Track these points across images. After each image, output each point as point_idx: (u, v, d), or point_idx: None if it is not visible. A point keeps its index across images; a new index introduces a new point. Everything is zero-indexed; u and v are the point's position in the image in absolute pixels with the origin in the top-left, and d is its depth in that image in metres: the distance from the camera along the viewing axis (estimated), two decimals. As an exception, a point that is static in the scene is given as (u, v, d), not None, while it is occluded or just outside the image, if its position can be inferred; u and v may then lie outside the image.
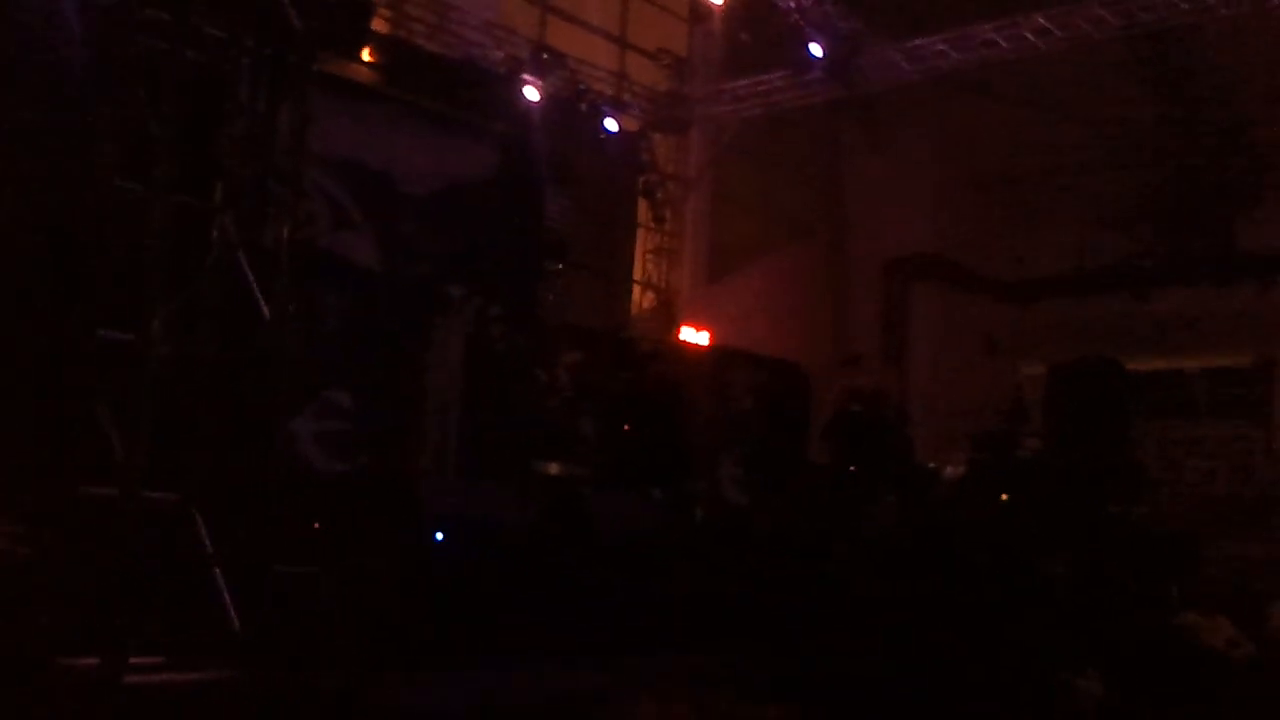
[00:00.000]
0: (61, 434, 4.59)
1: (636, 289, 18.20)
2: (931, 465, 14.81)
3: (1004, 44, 15.70)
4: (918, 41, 16.30)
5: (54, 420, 4.59)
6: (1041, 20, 15.36)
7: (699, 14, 16.01)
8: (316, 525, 9.60)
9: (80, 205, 5.02)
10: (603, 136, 17.05)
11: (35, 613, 4.38)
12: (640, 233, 18.26)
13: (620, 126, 17.32)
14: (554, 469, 11.22)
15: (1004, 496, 13.57)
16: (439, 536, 8.62)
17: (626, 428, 12.00)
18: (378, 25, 14.84)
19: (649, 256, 18.35)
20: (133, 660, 4.58)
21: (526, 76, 15.79)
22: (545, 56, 16.04)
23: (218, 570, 4.98)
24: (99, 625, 4.54)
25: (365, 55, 14.74)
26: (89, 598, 4.66)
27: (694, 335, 16.73)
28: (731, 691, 7.71)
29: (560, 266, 15.43)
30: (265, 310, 5.24)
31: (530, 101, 15.81)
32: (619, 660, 7.89)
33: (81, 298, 4.73)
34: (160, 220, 4.90)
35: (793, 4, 15.78)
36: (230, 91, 5.60)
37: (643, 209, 18.20)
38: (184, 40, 5.30)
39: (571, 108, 16.50)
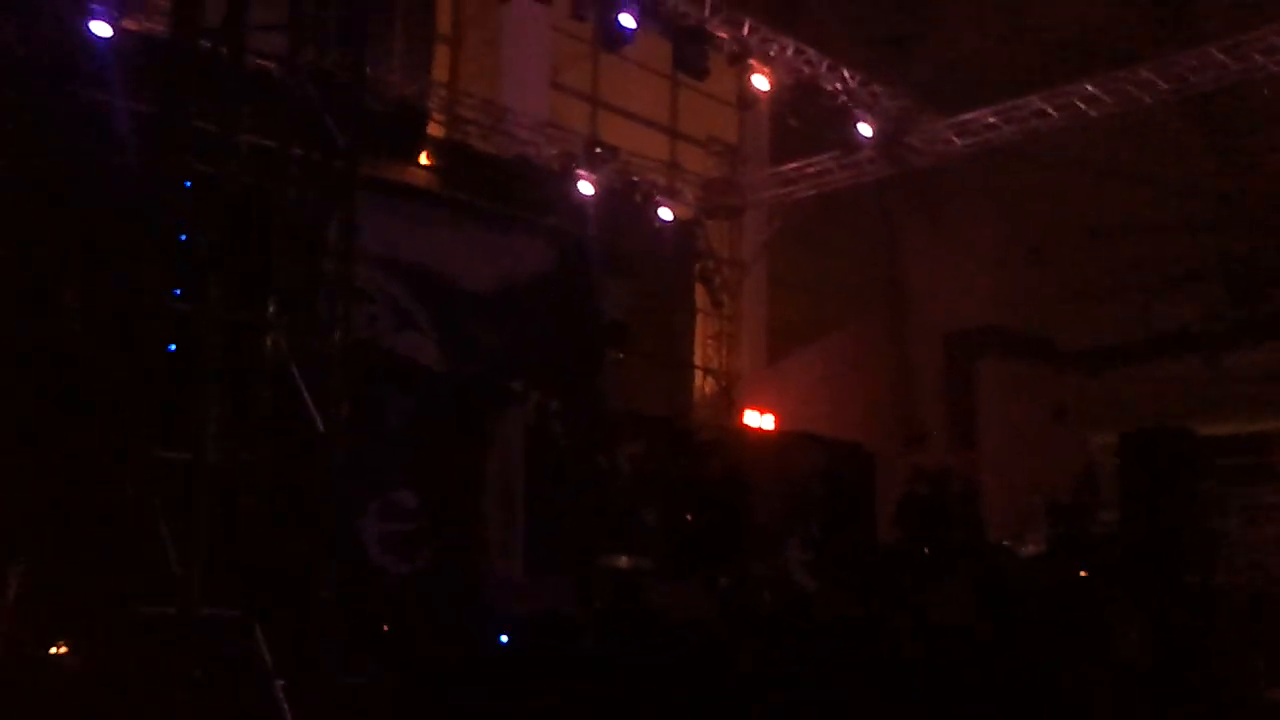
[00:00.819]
0: (122, 553, 4.65)
1: (698, 374, 18.22)
2: (1006, 543, 14.56)
3: (1054, 113, 15.67)
4: (967, 116, 16.33)
5: (114, 539, 4.66)
6: (1090, 88, 15.32)
7: (747, 100, 16.16)
8: (385, 628, 9.65)
9: (134, 325, 5.14)
10: (658, 225, 17.22)
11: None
12: (699, 318, 18.34)
13: (674, 215, 17.49)
14: (617, 561, 11.17)
15: (1082, 573, 13.29)
16: (504, 638, 8.59)
17: (690, 516, 11.93)
18: (433, 130, 15.17)
19: (709, 342, 18.40)
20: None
21: (580, 171, 16.04)
22: (598, 150, 16.30)
23: (280, 684, 4.98)
24: None
25: (423, 159, 15.07)
26: (153, 716, 4.68)
27: (756, 418, 16.69)
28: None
29: (621, 355, 15.52)
30: (319, 419, 5.30)
31: (585, 195, 16.04)
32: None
33: (138, 416, 4.82)
34: (212, 336, 4.99)
35: (839, 86, 15.90)
36: (278, 203, 5.73)
37: (700, 295, 18.29)
38: (230, 153, 5.45)
39: (626, 199, 16.71)
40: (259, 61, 6.90)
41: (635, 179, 16.83)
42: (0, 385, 7.82)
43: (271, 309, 5.67)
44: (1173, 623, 11.37)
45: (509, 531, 10.97)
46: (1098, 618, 11.54)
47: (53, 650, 7.53)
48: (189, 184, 6.19)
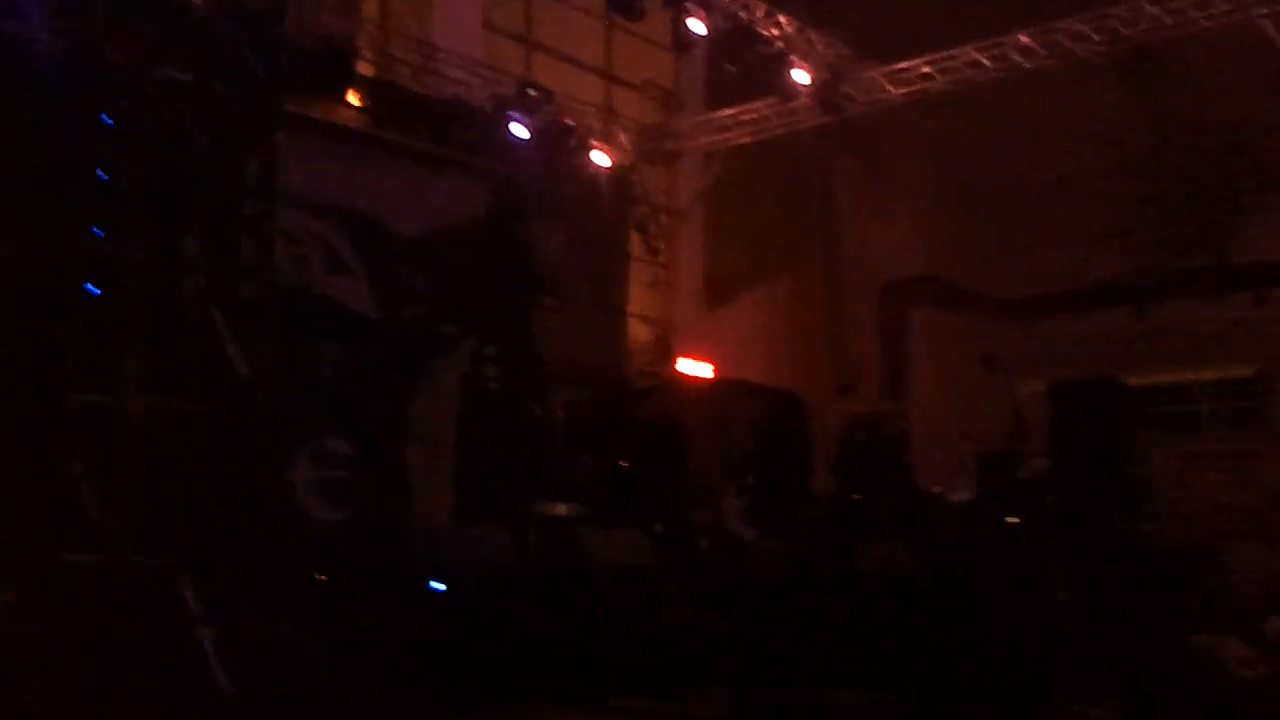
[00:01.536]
0: (43, 501, 4.48)
1: (633, 322, 18.10)
2: (937, 490, 14.69)
3: (988, 64, 15.65)
4: (902, 65, 16.27)
5: (34, 487, 4.48)
6: (1024, 39, 15.31)
7: (683, 45, 15.96)
8: (319, 576, 9.51)
9: (52, 263, 4.93)
10: (592, 171, 17.01)
11: (24, 683, 4.26)
12: (634, 266, 18.19)
13: (610, 160, 17.28)
14: (553, 509, 11.10)
15: (1012, 519, 13.45)
16: (438, 585, 8.50)
17: (625, 463, 11.88)
18: (363, 69, 14.80)
19: (644, 289, 18.26)
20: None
21: (514, 113, 15.74)
22: (532, 93, 15.98)
23: (207, 632, 4.85)
24: (89, 693, 4.41)
25: (351, 99, 14.71)
26: (78, 666, 4.54)
27: (692, 366, 16.64)
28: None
29: (555, 302, 15.36)
30: (241, 364, 5.13)
31: (518, 138, 15.77)
32: (617, 701, 7.78)
33: (55, 360, 4.63)
34: (132, 278, 4.80)
35: (776, 31, 15.75)
36: (197, 141, 5.52)
37: (636, 242, 18.14)
38: (149, 89, 5.23)
39: (560, 143, 16.45)
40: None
41: (570, 123, 16.55)
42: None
43: (192, 250, 5.48)
44: (1101, 568, 11.54)
45: (436, 479, 10.85)
46: (1027, 564, 11.69)
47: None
48: (108, 120, 5.96)
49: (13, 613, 4.77)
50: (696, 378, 16.17)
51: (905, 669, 8.96)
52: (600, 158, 17.08)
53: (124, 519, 4.54)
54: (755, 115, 17.51)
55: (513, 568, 9.33)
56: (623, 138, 17.89)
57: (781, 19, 15.73)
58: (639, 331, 18.07)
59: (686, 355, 16.98)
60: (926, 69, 16.13)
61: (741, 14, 15.39)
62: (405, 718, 6.45)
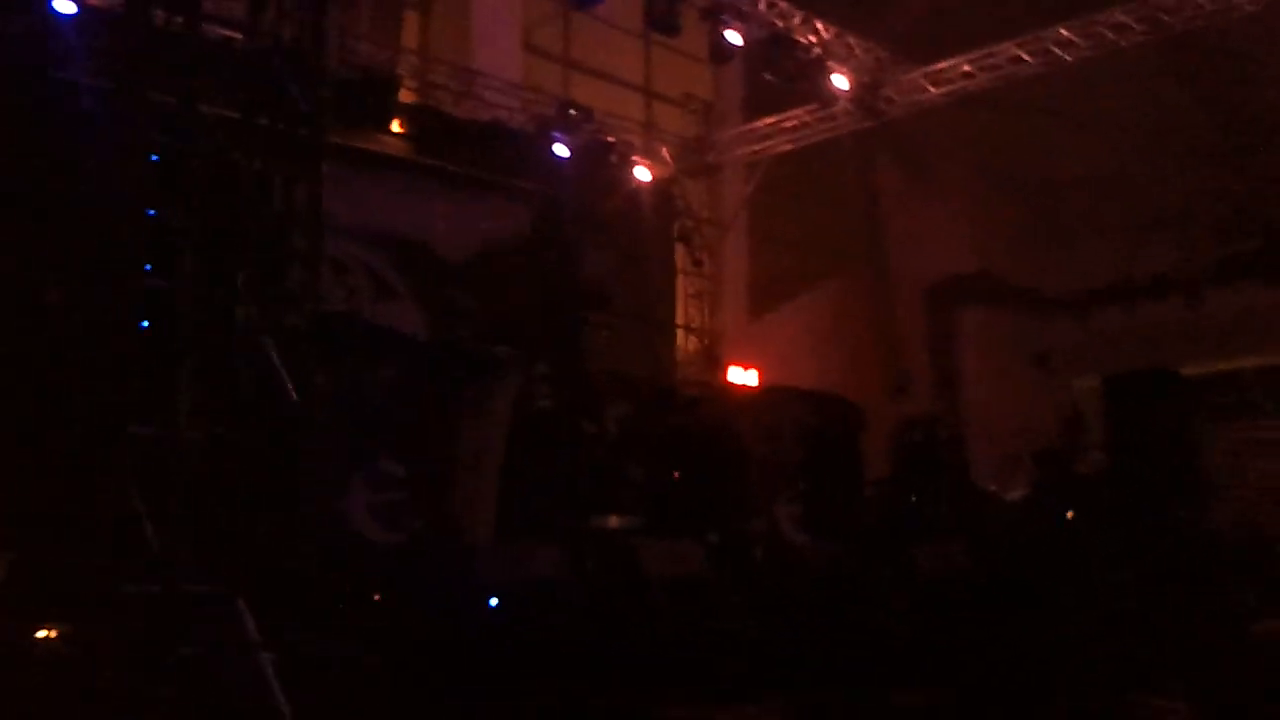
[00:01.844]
0: (102, 533, 4.62)
1: (680, 333, 18.20)
2: (993, 488, 14.62)
3: (1029, 59, 15.59)
4: (941, 65, 16.24)
5: (93, 518, 4.63)
6: (1064, 32, 15.24)
7: (721, 57, 16.03)
8: (376, 597, 9.64)
9: (106, 302, 5.09)
10: (635, 186, 17.14)
11: (83, 712, 4.40)
12: (680, 278, 18.29)
13: (652, 175, 17.40)
14: (607, 521, 11.18)
15: (1069, 514, 13.35)
16: (493, 602, 8.59)
17: (677, 474, 11.94)
18: (404, 97, 15.04)
19: (690, 300, 18.36)
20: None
21: (555, 133, 15.91)
22: (572, 112, 16.16)
23: (266, 658, 4.96)
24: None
25: (395, 127, 14.95)
26: (137, 694, 4.67)
27: (741, 375, 16.69)
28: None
29: (603, 318, 15.48)
30: (292, 391, 5.26)
31: (560, 158, 15.93)
32: (674, 712, 7.82)
33: (110, 394, 4.78)
34: (185, 311, 4.94)
35: (813, 38, 15.79)
36: (244, 175, 5.66)
37: (680, 254, 18.23)
38: (194, 126, 5.37)
39: (602, 160, 16.60)
40: (220, 31, 6.81)
41: (611, 140, 16.70)
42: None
43: (241, 282, 5.62)
44: (1161, 560, 11.42)
45: (477, 500, 10.93)
46: (1087, 559, 11.60)
47: (40, 634, 7.53)
48: (155, 158, 6.12)
49: (70, 643, 4.92)
50: (745, 386, 16.21)
51: (965, 669, 8.93)
52: (642, 173, 17.21)
53: (182, 548, 4.66)
54: (795, 123, 17.55)
55: (569, 582, 9.41)
56: (664, 152, 18.01)
57: (818, 25, 15.77)
58: (687, 342, 18.16)
59: (734, 364, 17.03)
60: (967, 68, 16.10)
61: (778, 22, 15.45)
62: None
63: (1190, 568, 11.29)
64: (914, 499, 13.73)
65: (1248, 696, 8.22)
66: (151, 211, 5.88)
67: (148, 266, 5.81)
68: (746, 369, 16.63)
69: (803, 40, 15.76)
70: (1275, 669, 8.96)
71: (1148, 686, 8.37)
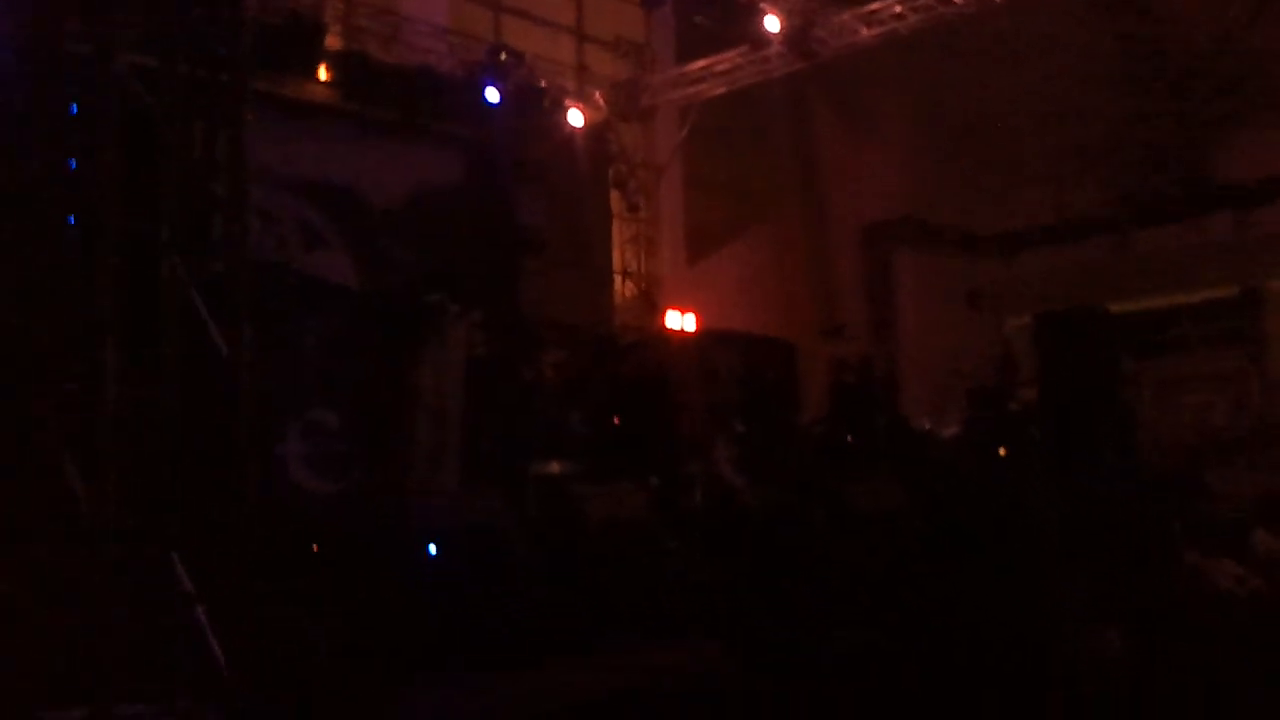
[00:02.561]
0: (28, 489, 4.55)
1: (618, 279, 18.16)
2: (927, 427, 14.80)
3: (959, 1, 15.62)
4: (873, 6, 16.22)
5: (19, 476, 4.55)
6: (993, -28, 15.28)
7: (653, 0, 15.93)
8: (315, 547, 9.59)
9: (23, 257, 4.98)
10: (568, 131, 17.00)
11: (14, 668, 4.35)
12: (616, 223, 18.22)
13: (585, 119, 17.27)
14: (547, 468, 11.19)
15: (1001, 450, 13.56)
16: (432, 549, 8.59)
17: (616, 420, 11.96)
18: (330, 42, 14.76)
19: (626, 246, 18.31)
20: (119, 708, 4.55)
21: (486, 78, 15.71)
22: (503, 56, 15.95)
23: (200, 610, 4.93)
24: (83, 676, 4.50)
25: (321, 74, 14.69)
26: (70, 649, 4.62)
27: (678, 319, 16.70)
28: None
29: (538, 264, 15.40)
30: (222, 344, 5.19)
31: (492, 103, 15.75)
32: (616, 655, 7.89)
33: (33, 351, 4.68)
34: (108, 264, 4.85)
35: (744, -20, 15.72)
36: (164, 125, 5.53)
37: (616, 199, 18.15)
38: (112, 76, 5.24)
39: (534, 105, 16.44)
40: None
41: (543, 84, 16.54)
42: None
43: (166, 234, 5.51)
44: (1091, 494, 11.63)
45: (443, 448, 10.91)
46: (1018, 494, 11.78)
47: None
48: (74, 110, 5.98)
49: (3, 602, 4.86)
50: (683, 330, 16.24)
51: (902, 607, 9.06)
52: (575, 117, 17.07)
53: (113, 506, 4.60)
54: (728, 65, 17.48)
55: (508, 528, 9.42)
56: (597, 96, 17.87)
57: (748, -33, 15.69)
58: (624, 288, 18.14)
59: (672, 308, 17.04)
60: (898, 9, 16.08)
61: (709, -36, 15.35)
62: (402, 684, 6.55)
63: (1119, 502, 11.51)
64: (849, 438, 13.86)
65: (1179, 625, 8.44)
66: (71, 163, 5.75)
67: (70, 219, 5.67)
68: (684, 313, 16.63)
69: (734, -18, 15.68)
70: (1204, 598, 9.20)
71: (1082, 619, 8.55)
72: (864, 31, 16.42)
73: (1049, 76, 17.77)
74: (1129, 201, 17.73)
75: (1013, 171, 18.66)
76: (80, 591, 4.63)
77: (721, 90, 17.75)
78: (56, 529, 4.66)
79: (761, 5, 15.91)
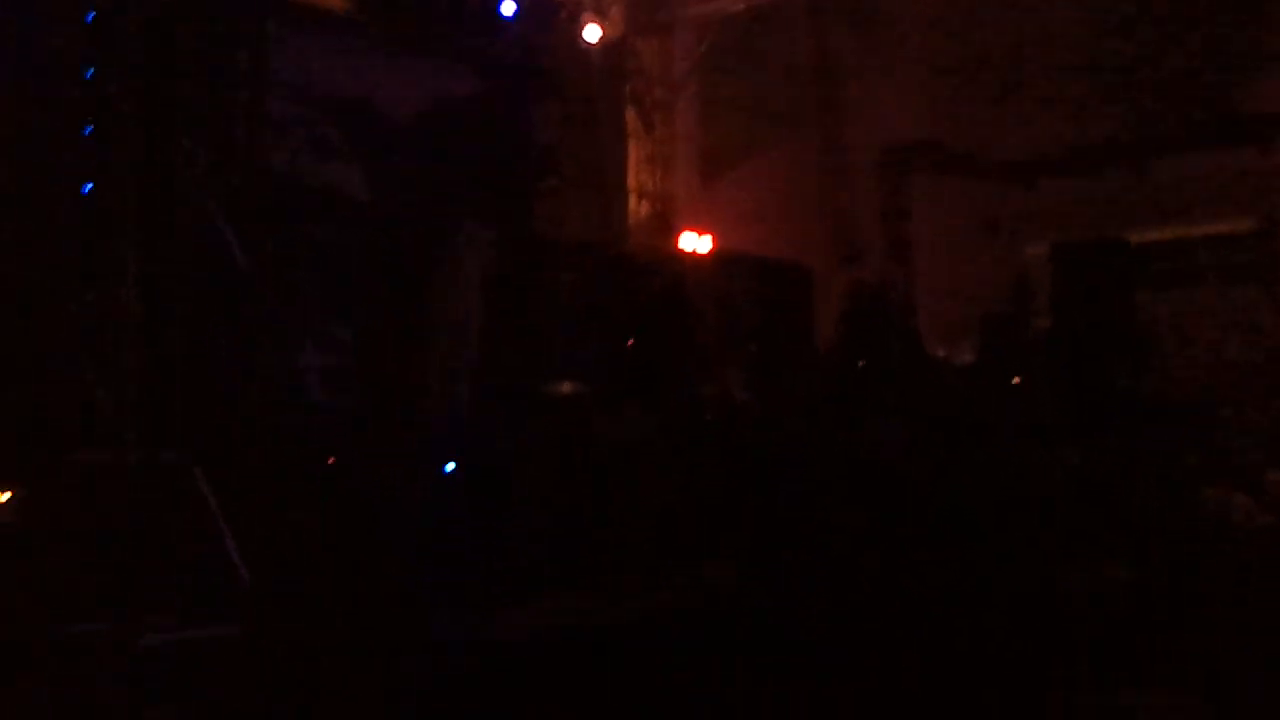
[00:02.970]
0: (50, 400, 4.53)
1: (632, 198, 18.01)
2: (942, 354, 14.73)
3: (987, -82, 15.30)
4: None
5: (41, 387, 4.53)
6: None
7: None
8: (330, 460, 9.62)
9: (43, 164, 4.91)
10: (585, 46, 16.76)
11: (39, 581, 4.36)
12: (631, 141, 18.02)
13: (602, 33, 17.01)
14: (559, 388, 11.17)
15: (1015, 380, 13.50)
16: (448, 467, 8.61)
17: (629, 341, 11.91)
18: (345, -49, 14.50)
19: (642, 165, 18.13)
20: (146, 622, 4.56)
21: (501, -10, 15.47)
22: (519, -31, 15.68)
23: (223, 524, 4.94)
24: (108, 589, 4.52)
25: (336, -15, 14.45)
26: (94, 562, 4.63)
27: (693, 240, 16.58)
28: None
29: (553, 182, 15.27)
30: (240, 254, 5.14)
31: (507, 16, 15.51)
32: (628, 578, 7.92)
33: (55, 260, 4.63)
34: (126, 175, 4.78)
35: (768, -107, 15.38)
36: (184, 36, 5.43)
37: (631, 117, 17.94)
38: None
39: (549, 19, 16.20)
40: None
41: (559, -3, 16.30)
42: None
43: (185, 144, 5.43)
44: (1105, 426, 11.61)
45: (461, 364, 10.91)
46: (1031, 423, 11.76)
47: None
48: (90, 17, 5.87)
49: (21, 508, 4.87)
50: (697, 252, 16.13)
51: (915, 531, 9.08)
52: (592, 32, 16.81)
53: (134, 416, 4.58)
54: (748, -19, 17.19)
55: (521, 448, 9.42)
56: (614, 10, 17.58)
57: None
58: (639, 207, 17.99)
59: (687, 229, 16.91)
60: (922, -74, 15.77)
61: (731, -125, 15.01)
62: (418, 600, 6.58)
63: (1133, 434, 11.49)
64: (862, 364, 13.80)
65: (1192, 558, 8.45)
66: (89, 73, 5.66)
67: (87, 130, 5.60)
68: (700, 234, 16.51)
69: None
70: (1218, 532, 9.21)
71: (1095, 551, 8.56)
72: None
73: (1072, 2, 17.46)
74: (1151, 130, 17.48)
75: (1035, 98, 18.38)
76: (103, 502, 4.63)
77: (741, 7, 17.46)
78: (81, 439, 4.65)
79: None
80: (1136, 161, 17.41)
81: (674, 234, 17.17)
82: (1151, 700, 7.43)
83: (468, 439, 9.45)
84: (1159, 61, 17.62)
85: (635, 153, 18.08)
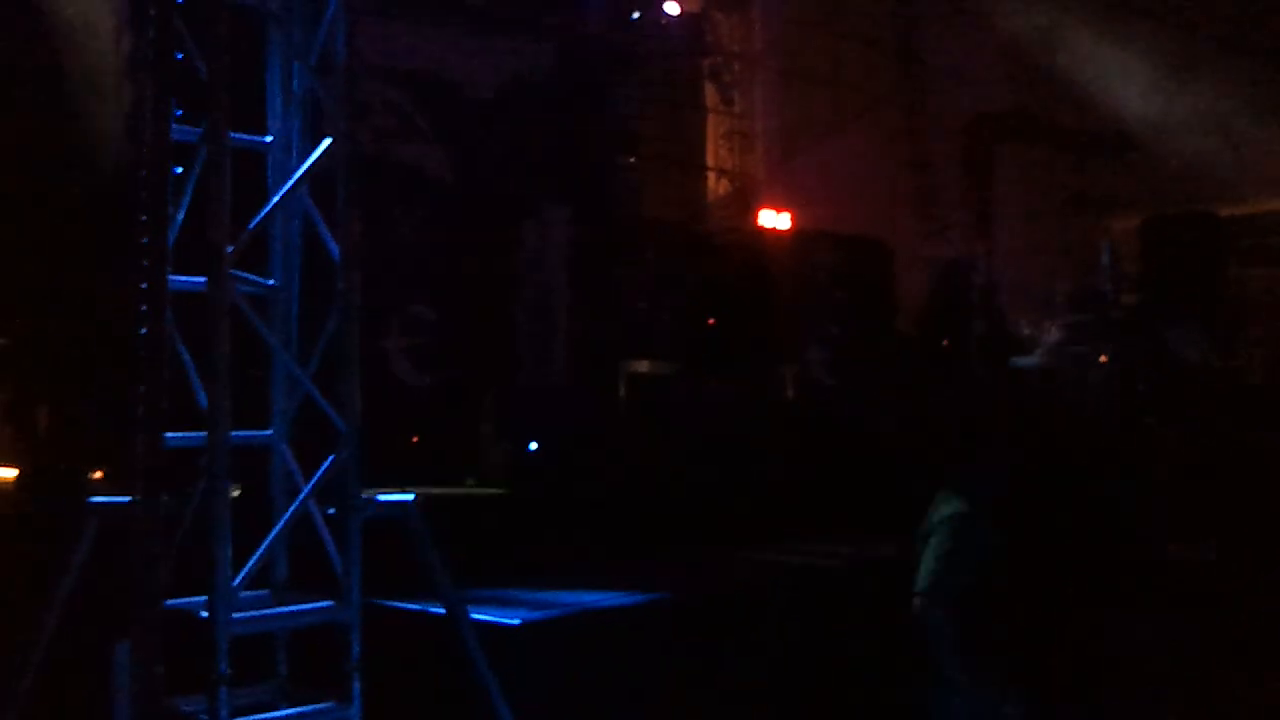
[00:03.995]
0: (145, 385, 4.61)
1: (711, 175, 17.92)
2: (1028, 332, 14.55)
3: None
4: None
5: (135, 373, 4.61)
6: None
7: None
8: (415, 439, 9.75)
9: (135, 153, 4.98)
10: (664, 21, 16.68)
11: (139, 561, 4.45)
12: (710, 117, 17.92)
13: (680, 8, 16.91)
14: (639, 366, 11.21)
15: (1103, 358, 13.31)
16: (533, 446, 8.68)
17: (711, 319, 11.91)
18: (426, -70, 14.55)
19: (720, 141, 18.02)
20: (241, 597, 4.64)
21: (582, -34, 15.45)
22: (598, -56, 15.64)
23: (313, 503, 5.01)
24: (200, 569, 4.61)
25: (415, -38, 14.51)
26: (186, 543, 4.72)
27: (773, 217, 16.48)
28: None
29: (632, 159, 15.25)
30: (330, 237, 5.19)
31: (589, -9, 15.50)
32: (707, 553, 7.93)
33: (148, 248, 4.71)
34: (216, 156, 4.84)
35: None
36: (268, 17, 5.48)
37: (710, 93, 17.84)
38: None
39: (630, -5, 16.15)
40: None
41: (640, -29, 16.22)
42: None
43: (273, 127, 5.49)
44: (1193, 405, 11.41)
45: (549, 340, 10.96)
46: (1117, 403, 11.61)
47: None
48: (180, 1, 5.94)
49: (111, 489, 4.97)
50: (777, 229, 16.02)
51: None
52: (671, 7, 16.73)
53: (228, 397, 4.66)
54: (829, -47, 17.00)
55: (603, 425, 9.47)
56: (694, -15, 17.49)
57: None
58: (718, 185, 17.91)
59: (766, 206, 16.81)
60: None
61: None
62: (495, 575, 6.65)
63: (1222, 413, 11.27)
64: (947, 343, 13.69)
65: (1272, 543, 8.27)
66: (180, 55, 5.72)
67: (178, 111, 5.66)
68: (779, 212, 16.39)
69: None
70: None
71: (1181, 534, 8.42)
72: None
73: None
74: (1243, 103, 17.02)
75: (1122, 69, 17.97)
76: (190, 482, 4.72)
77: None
78: (175, 423, 4.73)
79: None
80: (1230, 135, 16.97)
81: (753, 211, 17.07)
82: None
83: (548, 414, 9.52)
84: (1252, 34, 17.15)
85: (714, 129, 17.99)
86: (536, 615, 6.03)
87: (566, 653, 5.99)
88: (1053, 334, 13.85)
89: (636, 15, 15.96)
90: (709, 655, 6.53)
